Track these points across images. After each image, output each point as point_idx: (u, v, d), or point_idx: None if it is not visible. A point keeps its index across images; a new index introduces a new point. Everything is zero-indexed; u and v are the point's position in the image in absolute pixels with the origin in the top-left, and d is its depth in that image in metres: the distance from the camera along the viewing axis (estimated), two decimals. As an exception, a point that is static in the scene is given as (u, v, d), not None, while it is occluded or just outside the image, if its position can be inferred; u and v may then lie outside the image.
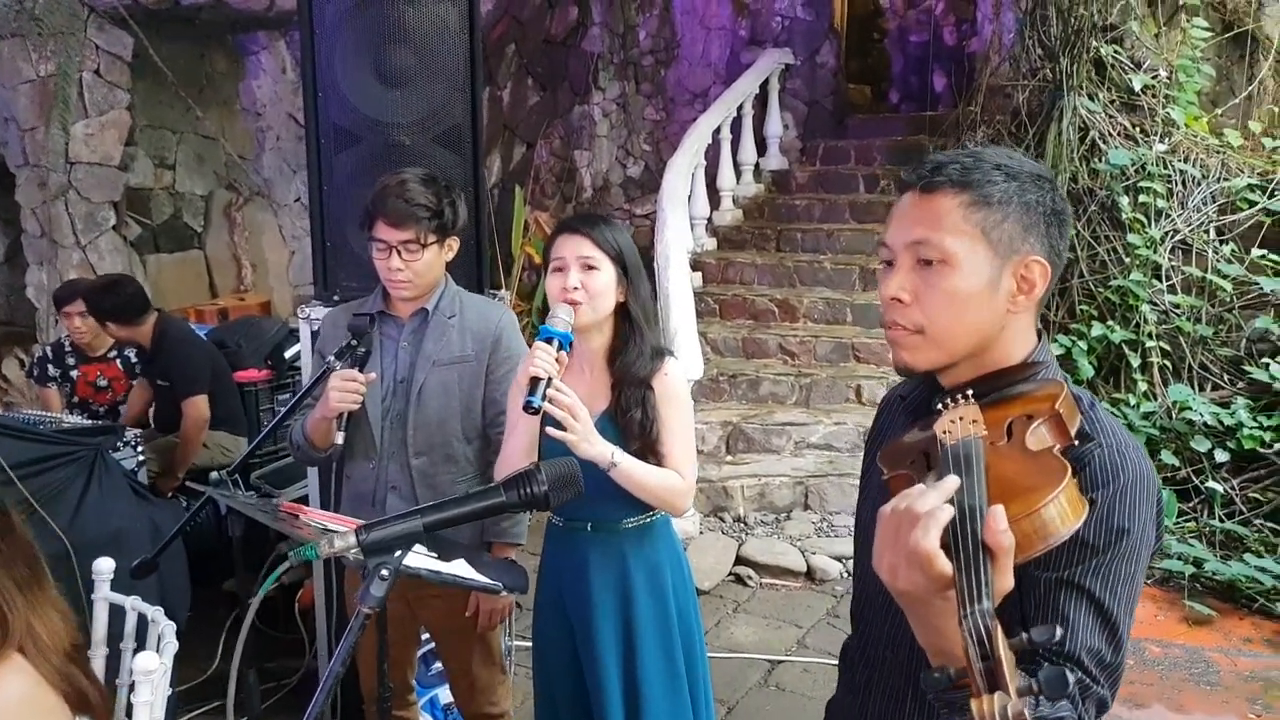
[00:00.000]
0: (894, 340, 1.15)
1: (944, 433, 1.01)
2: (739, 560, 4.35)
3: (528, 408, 1.78)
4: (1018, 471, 0.95)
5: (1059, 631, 0.79)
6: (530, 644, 2.25)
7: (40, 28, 5.67)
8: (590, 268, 1.95)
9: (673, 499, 1.98)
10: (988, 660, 0.76)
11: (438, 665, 2.85)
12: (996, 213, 1.09)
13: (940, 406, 1.07)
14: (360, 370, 2.11)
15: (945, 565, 0.84)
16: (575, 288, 1.93)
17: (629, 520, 2.03)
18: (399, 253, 2.15)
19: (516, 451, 1.95)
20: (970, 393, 1.07)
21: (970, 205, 1.09)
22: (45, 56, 5.73)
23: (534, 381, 1.79)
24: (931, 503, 0.87)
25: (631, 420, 1.95)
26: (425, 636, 2.60)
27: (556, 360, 1.82)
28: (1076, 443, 1.03)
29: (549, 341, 1.84)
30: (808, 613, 3.96)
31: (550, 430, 1.82)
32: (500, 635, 2.45)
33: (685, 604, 2.10)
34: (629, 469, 1.90)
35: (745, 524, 4.74)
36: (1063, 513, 0.90)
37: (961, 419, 1.02)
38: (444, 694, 2.89)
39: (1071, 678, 0.76)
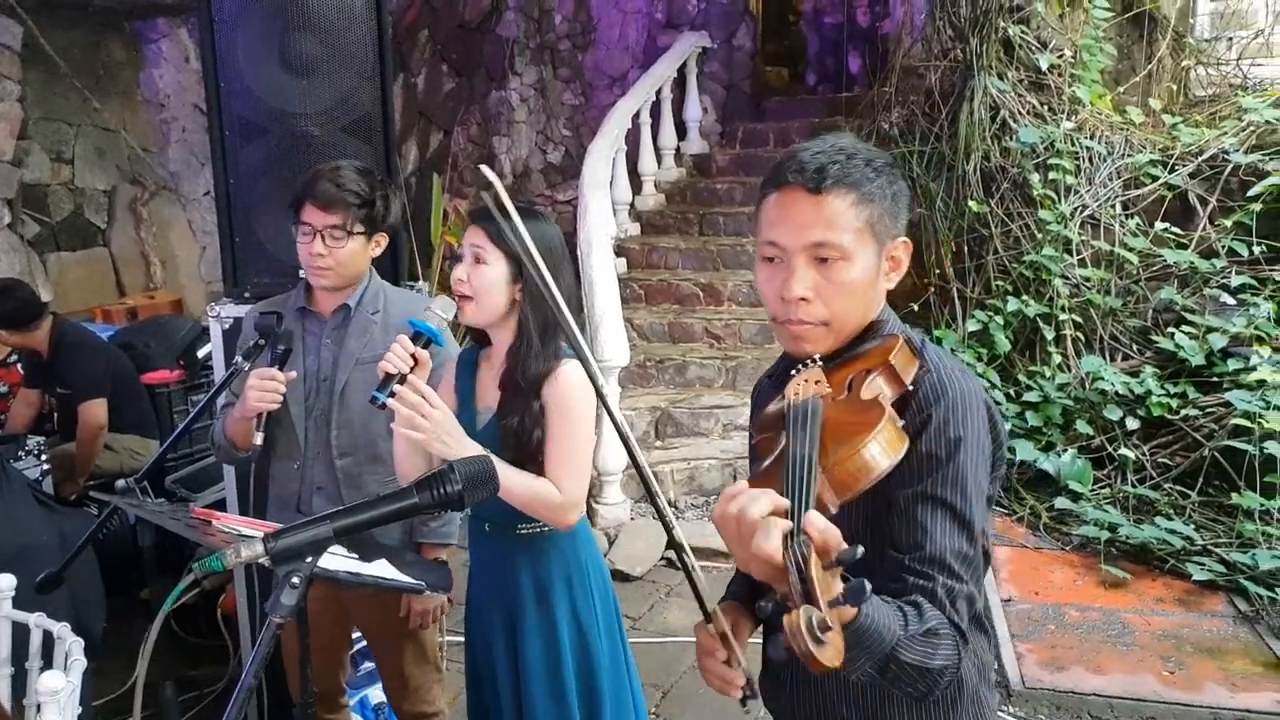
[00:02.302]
0: (798, 334, 1.25)
1: (794, 395, 1.16)
2: (670, 544, 4.36)
3: (373, 402, 1.74)
4: (847, 420, 1.10)
5: (860, 550, 0.91)
6: (461, 639, 2.21)
7: (-82, 16, 5.37)
8: (479, 261, 1.85)
9: (547, 512, 1.85)
10: (805, 583, 0.89)
11: (368, 665, 2.80)
12: (877, 207, 1.22)
13: (793, 372, 1.22)
14: (281, 369, 2.05)
15: (779, 556, 0.94)
16: (460, 280, 1.85)
17: (522, 526, 1.93)
18: (323, 238, 2.10)
19: (401, 450, 1.89)
20: (817, 357, 1.23)
21: (857, 203, 1.20)
22: (-75, 47, 5.42)
23: (386, 377, 1.74)
24: (763, 508, 0.97)
25: (508, 426, 1.86)
26: (356, 636, 2.55)
27: (414, 357, 1.75)
28: (912, 387, 1.18)
29: (415, 336, 1.78)
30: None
31: (394, 426, 1.75)
32: (435, 634, 2.40)
33: (587, 617, 1.98)
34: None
35: (676, 508, 4.76)
36: (882, 449, 1.06)
37: (806, 381, 1.18)
38: (374, 694, 2.84)
39: (868, 585, 0.88)
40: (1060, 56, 5.51)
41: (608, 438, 4.26)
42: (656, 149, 7.13)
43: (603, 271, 4.99)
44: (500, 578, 1.99)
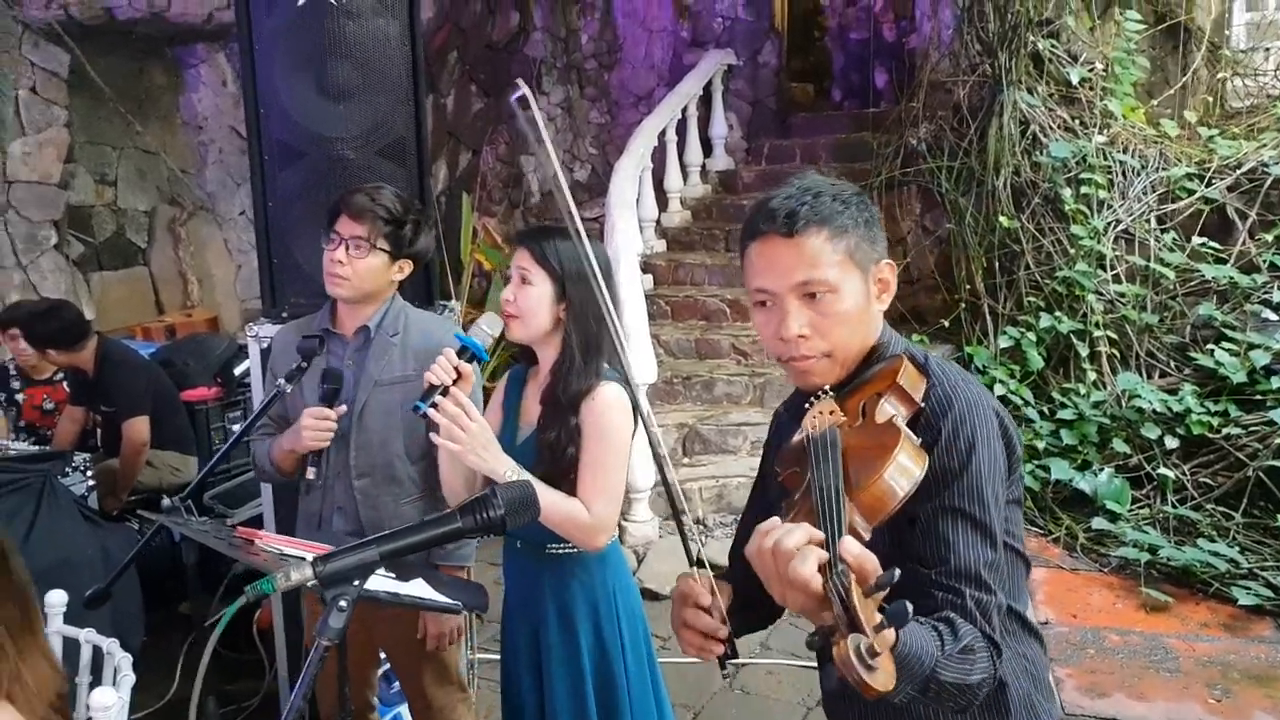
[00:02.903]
0: (804, 370, 1.29)
1: (811, 427, 1.19)
2: (698, 564, 4.36)
3: (415, 411, 1.78)
4: (866, 446, 1.12)
5: (896, 573, 0.92)
6: (494, 656, 2.23)
7: (-30, 46, 5.53)
8: (525, 281, 1.91)
9: (576, 533, 1.86)
10: (849, 611, 0.90)
11: (399, 684, 2.82)
12: (851, 237, 1.27)
13: (807, 405, 1.26)
14: (330, 406, 2.11)
15: (819, 585, 0.95)
16: (507, 300, 1.91)
17: (551, 546, 1.95)
18: (347, 247, 2.14)
19: (445, 462, 1.93)
20: (827, 388, 1.27)
21: (832, 237, 1.25)
22: (-23, 75, 5.59)
23: (430, 388, 1.78)
24: (799, 539, 0.99)
25: (544, 441, 1.90)
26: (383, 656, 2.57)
27: (457, 370, 1.79)
28: (921, 405, 1.22)
29: (460, 351, 1.83)
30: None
31: (433, 437, 1.78)
32: (459, 653, 2.42)
33: (611, 642, 1.98)
34: None
35: (705, 526, 4.76)
36: (904, 469, 1.08)
37: (821, 413, 1.22)
38: (407, 712, 2.87)
39: (910, 607, 0.89)
40: (1091, 69, 5.48)
41: (637, 455, 4.28)
42: (682, 166, 7.16)
43: (630, 289, 5.02)
44: (527, 596, 2.01)
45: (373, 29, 2.68)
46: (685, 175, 7.21)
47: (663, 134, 6.76)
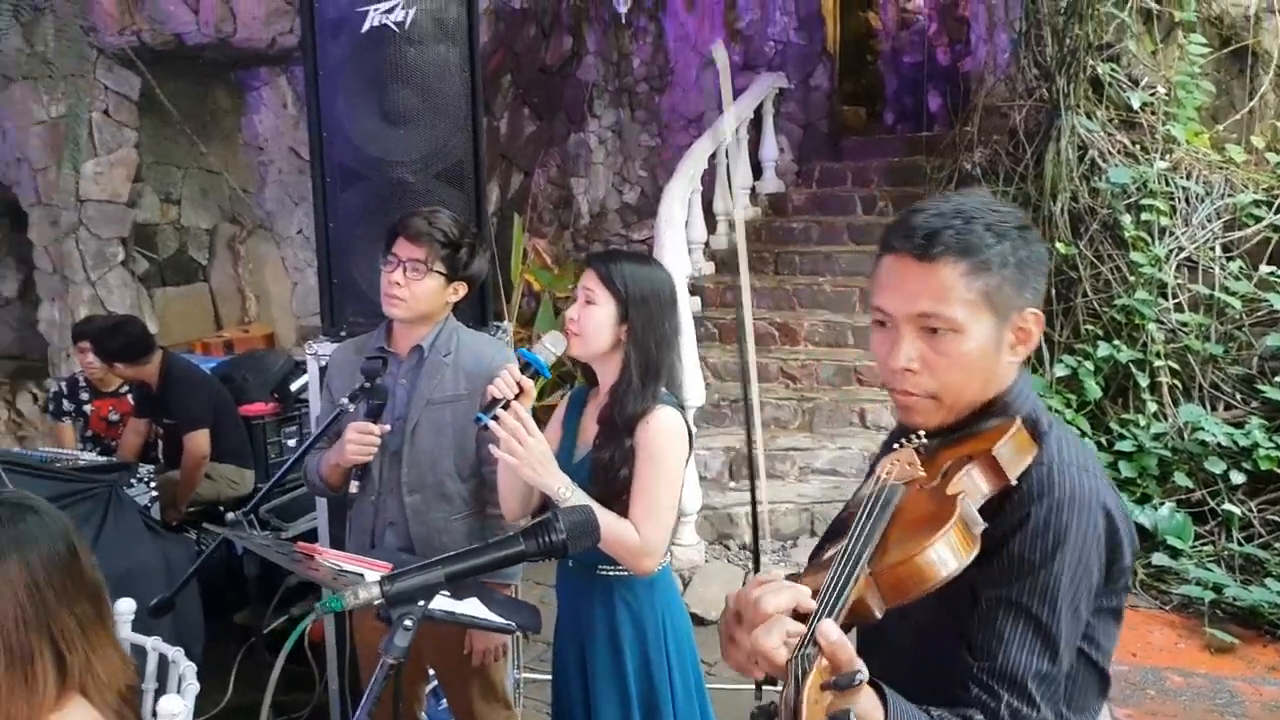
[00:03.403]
0: (905, 405, 1.18)
1: (885, 473, 1.10)
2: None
3: (476, 422, 1.82)
4: (920, 515, 1.01)
5: (860, 675, 0.84)
6: (540, 675, 2.25)
7: (51, 70, 5.76)
8: (590, 302, 1.95)
9: (626, 555, 1.87)
10: (796, 700, 0.83)
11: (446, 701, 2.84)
12: (995, 276, 1.12)
13: (896, 445, 1.16)
14: (375, 420, 2.16)
15: (782, 658, 0.89)
16: (571, 318, 1.95)
17: (603, 567, 1.96)
18: (405, 269, 2.19)
19: (503, 475, 1.96)
20: (922, 434, 1.15)
21: (971, 273, 1.12)
22: (56, 98, 5.82)
23: (492, 401, 1.81)
24: (781, 603, 0.93)
25: (598, 461, 1.92)
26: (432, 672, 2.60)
27: (519, 385, 1.83)
28: (1014, 482, 1.07)
29: (524, 367, 1.86)
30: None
31: (492, 449, 1.81)
32: (505, 670, 2.44)
33: (658, 668, 1.98)
34: None
35: (750, 552, 4.72)
36: (945, 555, 0.97)
37: (899, 461, 1.11)
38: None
39: (853, 718, 0.82)
40: (1153, 94, 5.39)
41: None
42: (732, 189, 7.17)
43: (680, 312, 5.02)
44: (578, 615, 2.03)
45: (433, 55, 2.75)
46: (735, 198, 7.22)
47: (712, 156, 6.78)
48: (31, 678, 1.32)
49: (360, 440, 2.13)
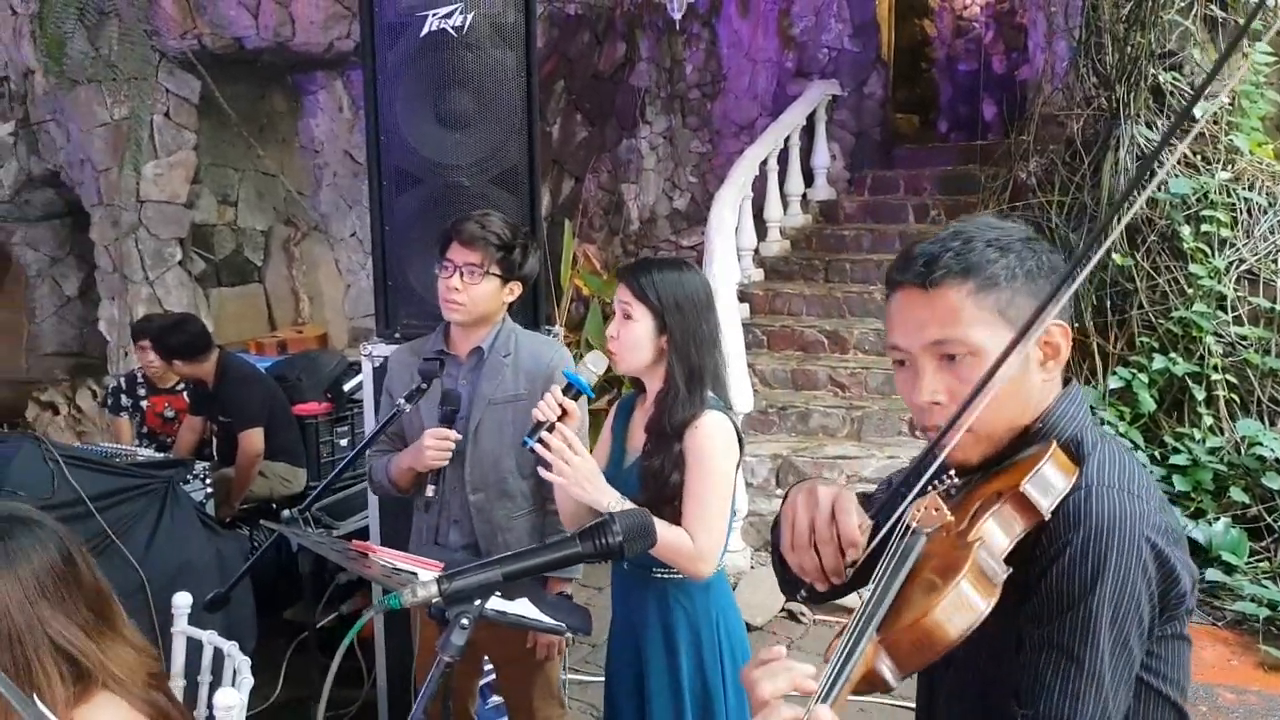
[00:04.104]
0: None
1: (912, 519, 1.02)
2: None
3: (524, 445, 1.86)
4: (936, 570, 0.94)
5: None
6: (585, 677, 2.26)
7: (115, 73, 5.91)
8: (628, 316, 1.96)
9: (680, 561, 1.89)
10: None
11: (495, 699, 2.86)
12: (1005, 291, 1.08)
13: (930, 487, 1.07)
14: (449, 426, 2.22)
15: None
16: (611, 336, 1.97)
17: (657, 570, 1.98)
18: (461, 274, 2.23)
19: (561, 495, 1.99)
20: (952, 473, 1.08)
21: (978, 291, 1.07)
22: (120, 100, 5.97)
23: (537, 424, 1.85)
24: (777, 689, 0.89)
25: (648, 468, 1.94)
26: (486, 668, 2.63)
27: (562, 408, 1.86)
28: (1048, 516, 1.00)
29: (567, 389, 1.89)
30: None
31: (541, 471, 1.86)
32: (559, 668, 2.47)
33: (712, 671, 1.99)
34: None
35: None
36: (950, 617, 0.90)
37: (924, 508, 1.02)
38: (501, 729, 2.90)
39: None
40: (1216, 104, 5.27)
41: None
42: (783, 195, 7.14)
43: (727, 317, 5.01)
44: (633, 618, 2.04)
45: (490, 60, 2.77)
46: (785, 205, 7.19)
47: (764, 163, 6.76)
48: (37, 688, 1.35)
49: (438, 446, 2.19)
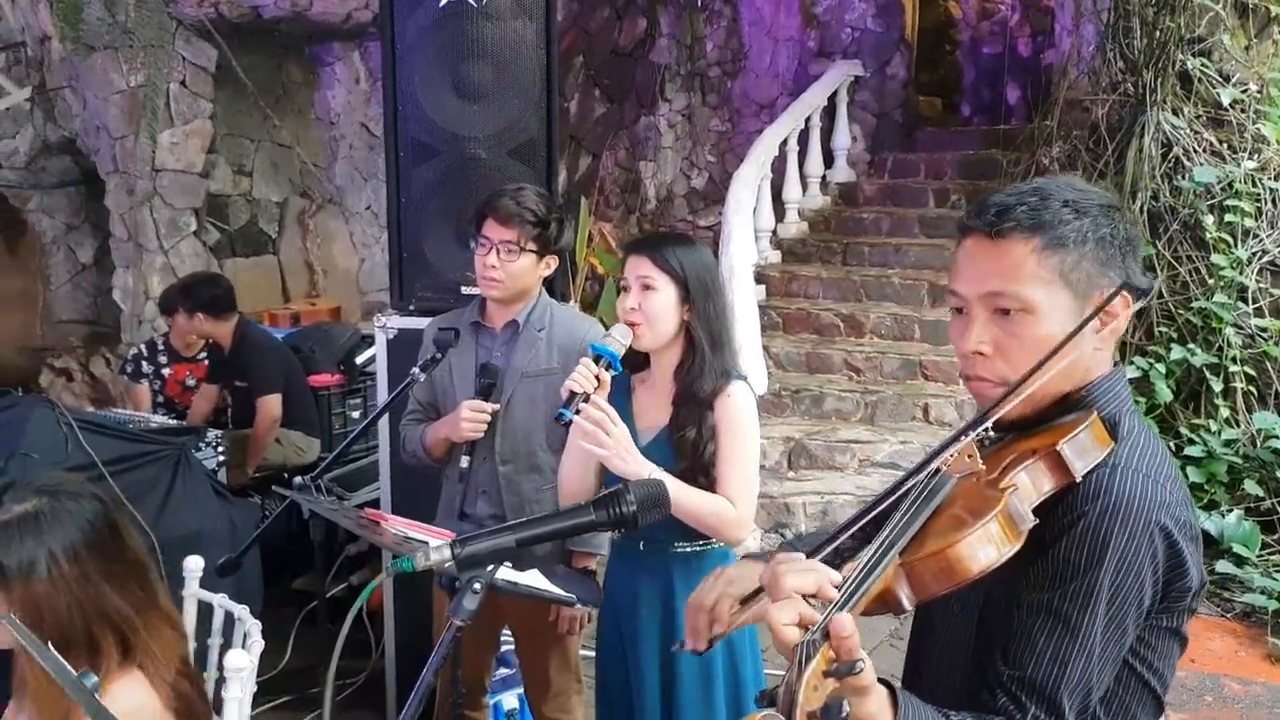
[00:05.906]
0: (978, 393, 1.13)
1: (943, 463, 1.04)
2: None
3: (558, 419, 1.84)
4: (964, 509, 0.98)
5: (861, 664, 0.81)
6: (592, 653, 2.26)
7: (132, 40, 5.89)
8: (648, 288, 1.95)
9: (722, 528, 1.92)
10: (796, 683, 0.81)
11: (503, 671, 2.87)
12: (1073, 253, 1.07)
13: (962, 436, 1.08)
14: (486, 399, 2.23)
15: (791, 639, 0.87)
16: (633, 309, 1.96)
17: (679, 544, 1.99)
18: (498, 251, 2.23)
19: (569, 467, 2.00)
20: (988, 426, 1.07)
21: (1045, 249, 1.06)
22: (136, 68, 5.95)
23: (571, 395, 1.84)
24: (800, 585, 0.92)
25: (684, 439, 1.94)
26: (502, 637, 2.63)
27: (597, 378, 1.85)
28: (1079, 479, 1.02)
29: (597, 359, 1.88)
30: (870, 635, 3.90)
31: (581, 442, 1.84)
32: (578, 645, 2.47)
33: (738, 637, 1.99)
34: (672, 491, 1.86)
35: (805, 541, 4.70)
36: (975, 552, 0.93)
37: (959, 454, 1.05)
38: (508, 700, 2.91)
39: (846, 710, 0.79)
40: (1245, 91, 5.19)
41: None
42: (802, 177, 7.08)
43: (743, 298, 5.00)
44: (651, 593, 2.02)
45: (510, 31, 2.75)
46: (805, 186, 7.13)
47: (784, 144, 6.70)
48: (98, 660, 1.35)
49: (474, 418, 2.20)
